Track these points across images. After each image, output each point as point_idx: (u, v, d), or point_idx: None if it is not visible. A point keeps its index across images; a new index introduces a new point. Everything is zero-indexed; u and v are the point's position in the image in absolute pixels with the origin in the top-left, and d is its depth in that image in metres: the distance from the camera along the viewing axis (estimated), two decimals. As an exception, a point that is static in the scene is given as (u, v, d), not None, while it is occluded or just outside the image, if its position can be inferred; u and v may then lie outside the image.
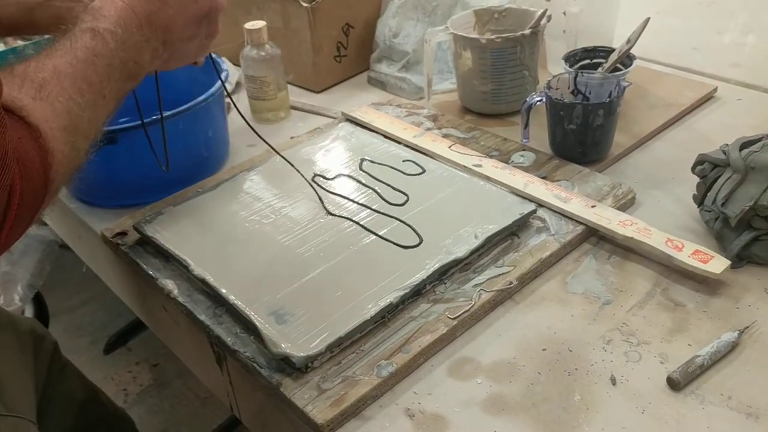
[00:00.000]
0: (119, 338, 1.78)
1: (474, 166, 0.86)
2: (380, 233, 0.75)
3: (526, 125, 0.90)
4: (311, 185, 0.83)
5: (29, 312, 1.19)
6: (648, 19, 0.91)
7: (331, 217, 0.79)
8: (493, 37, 0.94)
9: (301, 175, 0.84)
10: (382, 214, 0.78)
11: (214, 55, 0.99)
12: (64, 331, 1.77)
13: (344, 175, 0.86)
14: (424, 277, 0.68)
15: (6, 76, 0.49)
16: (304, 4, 1.06)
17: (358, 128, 0.97)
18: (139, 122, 0.85)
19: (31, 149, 0.47)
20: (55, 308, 1.75)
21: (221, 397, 0.77)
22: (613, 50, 0.94)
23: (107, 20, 0.56)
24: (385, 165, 0.87)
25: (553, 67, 1.08)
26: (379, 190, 0.82)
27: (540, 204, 0.78)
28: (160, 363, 1.73)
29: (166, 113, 0.85)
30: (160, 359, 1.74)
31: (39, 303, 1.22)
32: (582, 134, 0.84)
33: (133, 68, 0.58)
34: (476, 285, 0.69)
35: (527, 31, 0.94)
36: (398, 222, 0.76)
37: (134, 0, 0.58)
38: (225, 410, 1.55)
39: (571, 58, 0.96)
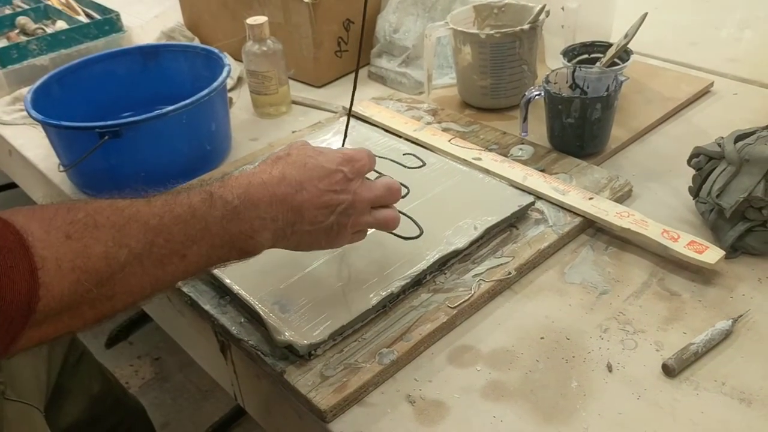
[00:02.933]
0: (121, 332, 1.79)
1: (473, 159, 0.87)
2: (381, 225, 0.76)
3: (525, 119, 0.91)
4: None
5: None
6: (645, 14, 0.92)
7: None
8: (492, 32, 0.95)
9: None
10: (383, 206, 0.79)
11: (216, 50, 1.00)
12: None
13: (345, 168, 0.88)
14: (425, 267, 0.69)
15: (66, 210, 0.48)
16: (305, 0, 1.07)
17: (359, 122, 0.98)
18: (143, 117, 0.86)
19: (18, 274, 0.43)
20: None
21: (225, 387, 0.79)
22: (610, 45, 0.95)
23: (230, 189, 0.56)
24: (385, 158, 0.88)
25: (552, 62, 1.09)
26: (380, 183, 0.84)
27: (538, 196, 0.80)
28: (162, 357, 1.75)
29: (169, 108, 0.86)
30: (162, 353, 1.75)
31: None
32: (580, 128, 0.86)
33: (244, 242, 0.56)
34: (476, 275, 0.70)
35: (526, 26, 0.95)
36: (399, 214, 0.77)
37: (273, 180, 0.58)
38: (227, 403, 1.57)
39: (570, 53, 0.97)
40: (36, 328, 0.45)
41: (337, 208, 0.60)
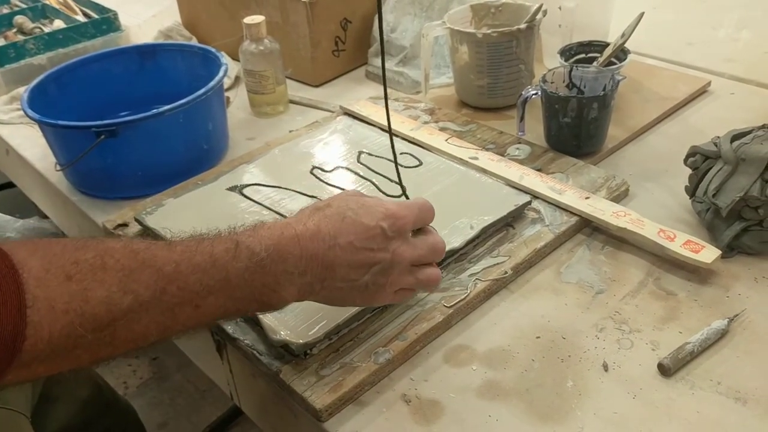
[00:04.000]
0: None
1: (470, 158, 0.87)
2: (378, 224, 0.76)
3: (522, 118, 0.91)
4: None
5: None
6: (642, 14, 0.92)
7: (329, 208, 0.80)
8: (489, 31, 0.95)
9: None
10: (380, 205, 0.79)
11: (213, 49, 1.00)
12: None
13: (342, 167, 0.88)
14: (421, 266, 0.69)
15: (74, 248, 0.46)
16: (303, -1, 1.07)
17: (356, 122, 0.98)
18: (140, 116, 0.86)
19: (5, 311, 0.42)
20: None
21: (222, 386, 0.79)
22: (608, 44, 0.95)
23: (259, 240, 0.53)
24: (382, 157, 0.88)
25: (549, 61, 1.09)
26: (376, 182, 0.84)
27: (535, 196, 0.80)
28: (160, 356, 1.75)
29: (166, 107, 0.86)
30: (160, 353, 1.75)
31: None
32: (577, 127, 0.86)
33: (267, 295, 0.54)
34: (472, 274, 0.70)
35: (523, 26, 0.95)
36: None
37: (307, 233, 0.55)
38: (225, 403, 1.57)
39: (567, 53, 0.97)
40: (24, 368, 0.44)
41: (372, 268, 0.57)
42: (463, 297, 0.67)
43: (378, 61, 1.15)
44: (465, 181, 0.82)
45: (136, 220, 0.81)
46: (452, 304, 0.67)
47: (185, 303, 0.50)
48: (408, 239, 0.59)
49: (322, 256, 0.55)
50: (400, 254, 0.58)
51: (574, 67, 0.89)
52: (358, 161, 0.88)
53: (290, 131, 1.01)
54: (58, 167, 0.95)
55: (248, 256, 0.52)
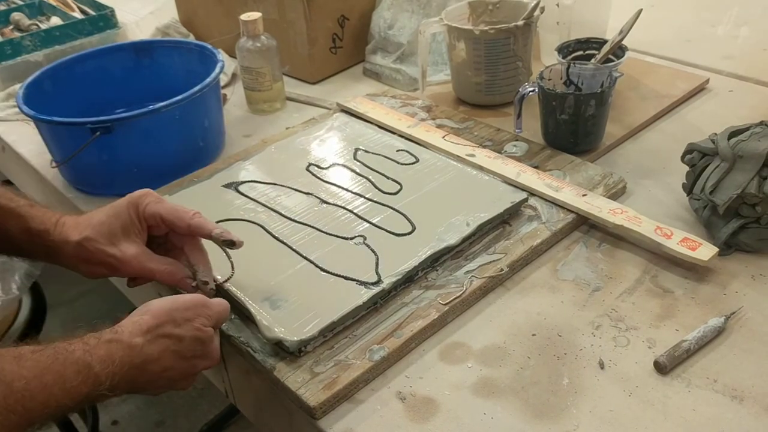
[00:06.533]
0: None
1: (467, 155, 0.86)
2: (374, 221, 0.76)
3: (519, 115, 0.91)
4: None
5: (27, 301, 1.20)
6: (640, 11, 0.92)
7: (325, 205, 0.80)
8: (486, 28, 0.95)
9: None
10: (376, 202, 0.79)
11: (209, 46, 1.00)
12: (62, 324, 1.78)
13: (339, 164, 0.87)
14: (417, 263, 0.69)
15: None
16: (300, -4, 1.07)
17: (353, 119, 0.98)
18: (135, 113, 0.86)
19: None
20: (53, 300, 1.75)
21: (217, 384, 0.78)
22: (605, 42, 0.95)
23: (106, 366, 0.54)
24: (379, 155, 0.88)
25: (547, 59, 1.09)
26: (373, 179, 0.83)
27: (532, 193, 0.79)
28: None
29: (161, 104, 0.86)
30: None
31: (37, 293, 1.23)
32: (574, 124, 0.85)
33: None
34: (468, 272, 0.70)
35: (521, 23, 0.94)
36: (391, 210, 0.77)
37: (125, 355, 0.56)
38: (221, 402, 1.57)
39: (564, 50, 0.97)
40: None
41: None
42: (458, 294, 0.67)
43: (376, 59, 1.14)
44: (462, 178, 0.82)
45: (132, 217, 0.81)
46: (448, 301, 0.66)
47: (24, 424, 0.50)
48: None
49: (145, 381, 0.58)
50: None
51: (572, 64, 0.89)
52: (355, 158, 0.88)
53: (287, 128, 1.01)
54: (54, 164, 0.94)
55: (94, 384, 0.53)
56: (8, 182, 1.25)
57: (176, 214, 0.66)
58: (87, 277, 0.69)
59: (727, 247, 0.71)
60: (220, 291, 0.69)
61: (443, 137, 0.91)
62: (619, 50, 0.93)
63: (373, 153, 0.89)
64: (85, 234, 0.66)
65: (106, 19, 1.30)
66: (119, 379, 0.55)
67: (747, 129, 0.73)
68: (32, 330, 1.18)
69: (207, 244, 0.69)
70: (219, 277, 0.69)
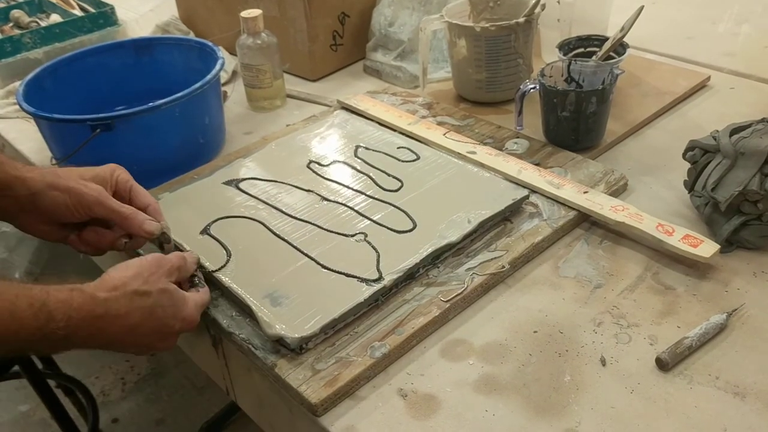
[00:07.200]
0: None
1: (468, 153, 0.86)
2: (374, 218, 0.76)
3: (520, 113, 0.91)
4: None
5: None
6: (642, 8, 0.91)
7: (326, 202, 0.79)
8: (487, 25, 0.94)
9: None
10: (377, 199, 0.79)
11: (210, 43, 1.00)
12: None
13: (339, 161, 0.87)
14: (418, 260, 0.69)
15: None
16: (300, -7, 1.07)
17: (354, 116, 0.98)
18: (135, 110, 0.85)
19: None
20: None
21: (218, 381, 0.78)
22: (607, 39, 0.95)
23: (64, 308, 0.55)
24: (379, 152, 0.88)
25: (547, 56, 1.09)
26: (373, 177, 0.83)
27: (533, 190, 0.79)
28: (157, 352, 1.74)
29: (161, 101, 0.86)
30: (158, 349, 1.75)
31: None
32: (575, 121, 0.85)
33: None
34: (469, 269, 0.70)
35: (522, 20, 0.94)
36: (392, 207, 0.77)
37: (85, 302, 0.56)
38: (222, 399, 1.57)
39: (565, 47, 0.97)
40: None
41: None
42: (460, 291, 0.67)
43: (377, 56, 1.14)
44: (463, 176, 0.82)
45: (132, 214, 0.81)
46: (449, 298, 0.66)
47: None
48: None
49: (111, 335, 0.58)
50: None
51: (573, 61, 0.89)
52: (355, 155, 0.88)
53: (287, 125, 1.01)
54: (54, 161, 0.94)
55: (46, 320, 0.53)
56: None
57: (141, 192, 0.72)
58: (45, 227, 0.70)
59: (729, 244, 0.71)
60: (218, 283, 0.69)
61: (444, 134, 0.91)
62: (620, 47, 0.93)
63: (373, 150, 0.89)
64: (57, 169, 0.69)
65: (106, 17, 1.30)
66: (77, 325, 0.55)
67: (748, 126, 0.73)
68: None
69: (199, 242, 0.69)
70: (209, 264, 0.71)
